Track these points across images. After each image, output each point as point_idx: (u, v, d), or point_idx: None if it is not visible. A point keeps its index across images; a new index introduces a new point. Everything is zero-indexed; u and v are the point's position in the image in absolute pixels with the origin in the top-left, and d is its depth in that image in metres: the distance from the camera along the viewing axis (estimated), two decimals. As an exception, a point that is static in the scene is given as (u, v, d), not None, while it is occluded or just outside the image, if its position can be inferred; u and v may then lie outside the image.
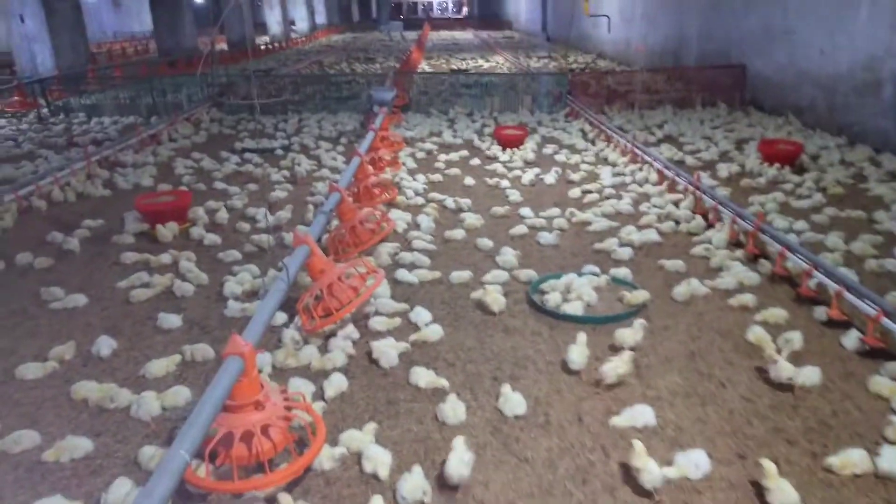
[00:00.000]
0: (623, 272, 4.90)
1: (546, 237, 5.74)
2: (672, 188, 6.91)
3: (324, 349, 4.00)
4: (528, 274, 4.97)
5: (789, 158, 7.92)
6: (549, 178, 7.75)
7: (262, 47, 30.40)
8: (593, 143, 9.73)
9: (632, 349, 3.87)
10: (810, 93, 10.16)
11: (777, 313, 4.28)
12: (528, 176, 7.83)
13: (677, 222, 6.10)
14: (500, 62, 21.85)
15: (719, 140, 9.54)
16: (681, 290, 4.60)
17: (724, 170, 7.87)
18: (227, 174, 8.38)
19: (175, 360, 3.87)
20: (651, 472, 2.77)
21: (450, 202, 6.82)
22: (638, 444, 2.84)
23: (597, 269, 5.00)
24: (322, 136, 10.64)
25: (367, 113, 10.97)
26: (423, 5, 76.35)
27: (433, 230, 6.05)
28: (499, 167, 8.35)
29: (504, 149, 9.28)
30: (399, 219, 6.27)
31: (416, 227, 6.20)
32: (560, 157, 8.83)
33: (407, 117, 11.85)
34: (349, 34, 45.65)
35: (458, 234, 5.92)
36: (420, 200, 6.97)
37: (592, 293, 4.51)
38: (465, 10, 68.40)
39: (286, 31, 38.33)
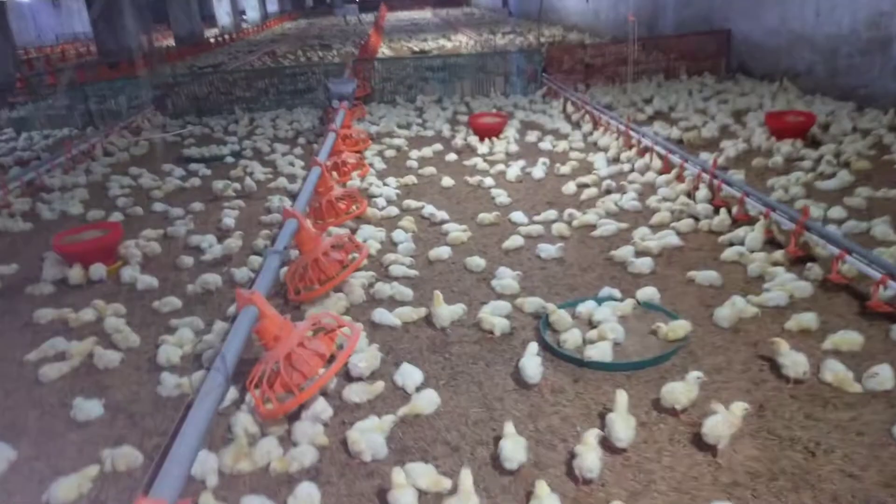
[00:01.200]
0: (650, 293, 4.02)
1: (547, 250, 4.84)
2: (681, 176, 6.05)
3: (287, 439, 3.06)
4: (533, 302, 4.07)
5: (800, 131, 7.11)
6: (538, 171, 6.84)
7: (212, 41, 28.88)
8: (578, 125, 8.82)
9: (684, 410, 3.01)
10: (807, 56, 9.36)
11: (849, 338, 3.45)
12: (514, 170, 6.91)
13: (696, 219, 5.24)
14: (463, 41, 20.80)
15: (715, 113, 8.70)
16: (725, 314, 3.75)
17: (730, 148, 7.03)
18: (169, 192, 7.31)
19: (90, 475, 2.90)
20: None
21: (429, 210, 5.88)
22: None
23: (616, 292, 4.12)
24: (277, 136, 9.58)
25: (327, 108, 9.94)
26: (378, -14, 74.13)
27: (413, 250, 5.11)
28: (479, 162, 7.42)
29: (482, 139, 8.34)
30: (371, 237, 5.32)
31: (393, 245, 5.26)
32: (545, 145, 7.92)
33: (370, 109, 10.83)
34: (303, 21, 43.97)
35: (443, 252, 4.99)
36: (393, 210, 6.02)
37: (618, 327, 3.63)
38: (421, -12, 66.57)
39: (237, 21, 36.67)
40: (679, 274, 4.43)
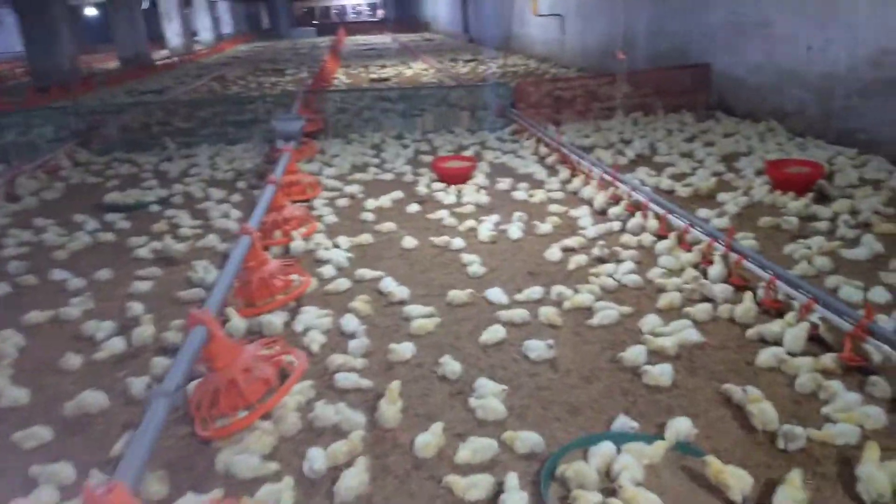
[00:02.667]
0: (683, 428, 3.03)
1: (536, 348, 3.84)
2: (685, 243, 5.14)
3: None
4: (528, 440, 3.04)
5: (807, 184, 6.33)
6: (514, 229, 5.87)
7: (159, 63, 27.48)
8: (555, 170, 7.92)
9: None
10: (797, 95, 8.70)
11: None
12: (486, 228, 5.94)
13: (712, 301, 4.32)
14: (424, 69, 19.95)
15: (703, 158, 7.92)
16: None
17: (730, 203, 6.20)
18: (76, 252, 6.10)
19: None
20: None
21: (388, 285, 4.83)
22: None
23: (634, 423, 3.13)
24: (214, 178, 8.42)
25: (272, 146, 8.83)
26: (337, 9, 73.47)
27: (366, 347, 4.03)
28: (445, 215, 6.42)
29: (448, 185, 7.36)
30: (313, 327, 4.25)
31: (341, 335, 4.19)
32: (519, 195, 6.98)
33: (323, 146, 9.76)
34: (258, 43, 42.78)
35: (406, 349, 3.93)
36: (343, 283, 4.94)
37: (651, 496, 2.62)
38: (380, 12, 66.12)
39: (188, 43, 35.27)
40: (706, 385, 3.48)
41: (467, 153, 8.78)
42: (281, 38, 46.29)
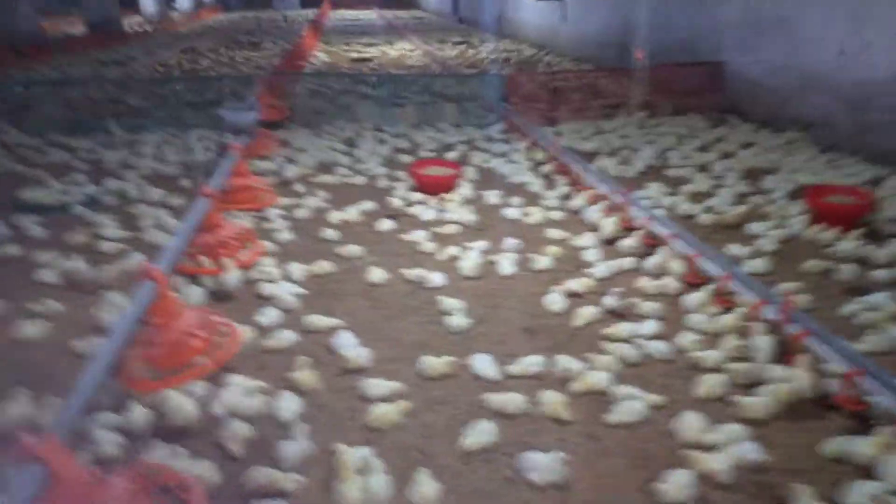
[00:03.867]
0: None
1: (540, 465, 2.79)
2: (722, 298, 4.11)
3: None
4: None
5: (854, 218, 5.33)
6: (505, 262, 4.81)
7: (130, 30, 25.82)
8: (552, 181, 6.84)
9: None
10: (824, 103, 7.69)
11: None
12: (472, 259, 4.86)
13: (767, 384, 3.30)
14: (409, 50, 18.67)
15: (723, 173, 6.89)
16: None
17: (764, 237, 5.18)
18: (-33, 269, 4.94)
19: None
20: None
21: (344, 344, 3.75)
22: None
23: None
24: (157, 173, 7.22)
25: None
26: (323, -18, 70.93)
27: (304, 455, 2.94)
28: (422, 238, 5.33)
29: (428, 195, 6.26)
30: (237, 412, 3.16)
31: (273, 425, 3.11)
32: (512, 213, 5.90)
33: (289, 136, 8.58)
34: (239, 13, 40.96)
35: (359, 455, 2.87)
36: (287, 337, 3.84)
37: None
38: (368, -13, 64.03)
39: (163, 10, 33.49)
40: (778, 540, 2.47)
41: (453, 154, 7.65)
42: (263, 8, 44.40)
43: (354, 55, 17.37)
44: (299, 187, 6.60)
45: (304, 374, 3.43)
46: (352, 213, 5.90)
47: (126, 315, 3.11)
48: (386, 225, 5.64)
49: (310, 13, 37.60)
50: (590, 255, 4.94)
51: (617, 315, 4.10)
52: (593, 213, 5.63)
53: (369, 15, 37.87)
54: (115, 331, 3.02)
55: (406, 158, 7.62)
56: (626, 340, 3.77)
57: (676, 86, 9.88)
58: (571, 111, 9.73)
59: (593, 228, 5.49)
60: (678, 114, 9.70)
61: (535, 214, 5.81)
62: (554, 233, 5.40)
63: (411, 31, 24.18)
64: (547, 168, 7.11)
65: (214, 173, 5.46)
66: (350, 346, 3.72)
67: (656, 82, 10.12)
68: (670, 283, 4.41)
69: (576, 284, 4.42)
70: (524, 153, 7.81)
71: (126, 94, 10.78)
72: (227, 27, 29.44)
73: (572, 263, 4.88)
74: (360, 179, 6.93)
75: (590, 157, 7.57)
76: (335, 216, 5.82)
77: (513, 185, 6.77)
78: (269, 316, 4.07)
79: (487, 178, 6.99)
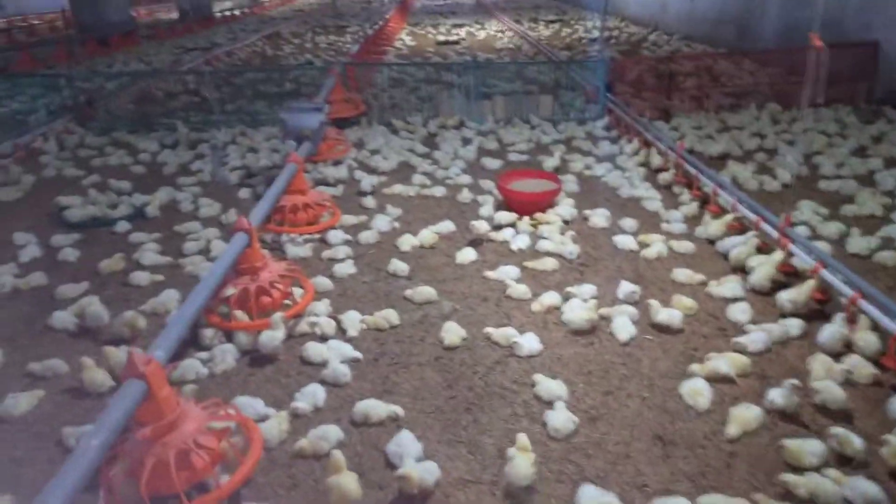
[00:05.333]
0: None
1: None
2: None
3: None
4: None
5: None
6: (621, 320, 3.64)
7: (220, 15, 25.82)
8: (673, 194, 5.57)
9: None
10: None
11: None
12: (575, 312, 3.73)
13: None
14: (499, 31, 17.39)
15: (894, 188, 5.40)
16: None
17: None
18: (-13, 301, 4.29)
19: None
20: None
21: (404, 446, 2.75)
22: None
23: None
24: (216, 180, 6.47)
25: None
26: (413, -39, 70.07)
27: None
28: (512, 276, 4.24)
29: (519, 216, 5.14)
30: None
31: None
32: (625, 241, 4.68)
33: (362, 135, 7.65)
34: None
35: None
36: (328, 435, 2.85)
37: None
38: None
39: (252, -6, 33.52)
40: None
41: (549, 161, 6.45)
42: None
43: (441, 38, 16.29)
44: (369, 201, 5.63)
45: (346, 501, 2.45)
46: (427, 236, 4.88)
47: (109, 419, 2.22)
48: (467, 255, 4.58)
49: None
50: (737, 312, 3.70)
51: (790, 420, 2.89)
52: (736, 248, 4.34)
53: (458, -7, 36.56)
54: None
55: (493, 163, 6.53)
56: (816, 470, 2.56)
57: (817, 71, 8.23)
58: (688, 101, 8.29)
59: (737, 268, 4.22)
60: (820, 105, 8.08)
61: (656, 244, 4.58)
62: (683, 274, 4.17)
63: (501, 11, 22.81)
64: (666, 177, 5.82)
65: (264, 196, 4.56)
66: (411, 453, 2.71)
67: (791, 67, 8.49)
68: (862, 368, 3.13)
69: (723, 363, 3.21)
70: (635, 156, 6.53)
71: (199, 85, 10.19)
72: (316, 9, 29.02)
73: (713, 324, 3.67)
74: (439, 191, 5.89)
75: (717, 162, 6.22)
76: (407, 241, 4.82)
77: (624, 200, 5.54)
78: (309, 398, 3.12)
79: (591, 191, 5.79)
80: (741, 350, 3.35)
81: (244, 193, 5.99)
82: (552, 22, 18.66)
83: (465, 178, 6.14)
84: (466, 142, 7.36)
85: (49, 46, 15.32)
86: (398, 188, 5.95)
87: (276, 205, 4.68)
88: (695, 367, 3.23)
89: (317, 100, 6.42)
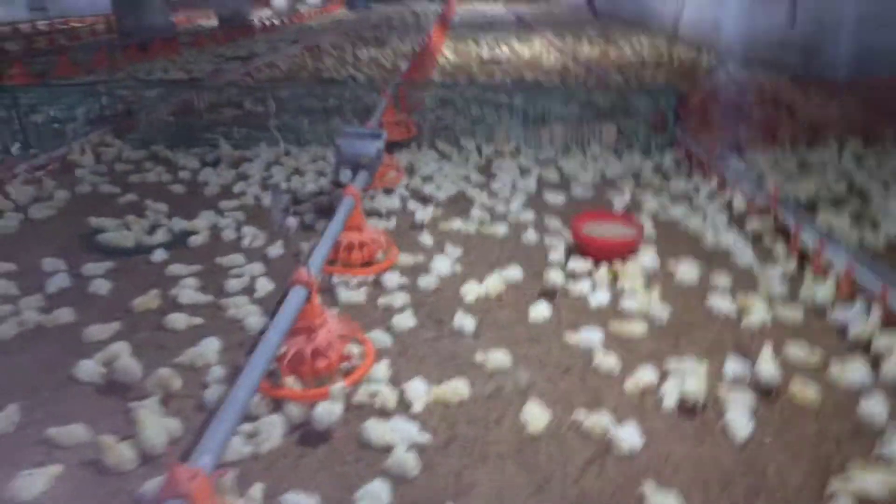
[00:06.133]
0: None
1: None
2: None
3: None
4: None
5: None
6: (737, 412, 3.08)
7: (259, 24, 25.73)
8: (765, 246, 4.99)
9: None
10: None
11: None
12: (678, 393, 3.19)
13: None
14: (543, 48, 16.89)
15: None
16: None
17: None
18: (7, 340, 3.87)
19: None
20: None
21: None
22: None
23: None
24: (261, 205, 6.03)
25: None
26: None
27: None
28: (596, 340, 3.71)
29: (596, 263, 4.61)
30: None
31: None
32: (719, 304, 4.11)
33: (413, 160, 7.19)
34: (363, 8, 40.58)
35: None
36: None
37: None
38: (495, -21, 62.35)
39: (291, 3, 33.58)
40: None
41: (619, 199, 5.91)
42: (395, 2, 43.92)
43: (485, 55, 15.84)
44: (425, 238, 5.15)
45: None
46: (493, 284, 4.37)
47: None
48: (541, 311, 4.06)
49: (437, 6, 36.54)
50: (872, 407, 3.11)
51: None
52: (856, 323, 3.75)
53: (497, 8, 36.23)
54: None
55: (557, 198, 6.01)
56: None
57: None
58: (762, 135, 7.68)
59: (859, 346, 3.63)
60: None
61: (758, 310, 4.00)
62: (798, 352, 3.60)
63: (542, 26, 22.33)
64: (756, 225, 5.23)
65: (322, 237, 4.09)
66: None
67: (873, 99, 7.86)
68: None
69: (872, 481, 2.64)
70: (714, 197, 5.96)
71: (243, 98, 9.83)
72: (354, 20, 28.87)
73: (845, 422, 3.09)
74: (500, 229, 5.37)
75: (805, 207, 5.63)
76: (471, 290, 4.31)
77: (709, 251, 4.97)
78: (373, 500, 2.61)
79: (671, 237, 5.23)
80: (889, 461, 2.77)
81: (290, 222, 5.55)
82: (598, 41, 18.10)
83: (529, 215, 5.63)
84: (525, 172, 6.86)
85: (89, 51, 15.18)
86: (456, 224, 5.45)
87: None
88: (836, 484, 2.67)
89: (373, 124, 5.96)
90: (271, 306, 4.06)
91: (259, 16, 29.03)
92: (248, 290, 4.41)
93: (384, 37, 20.55)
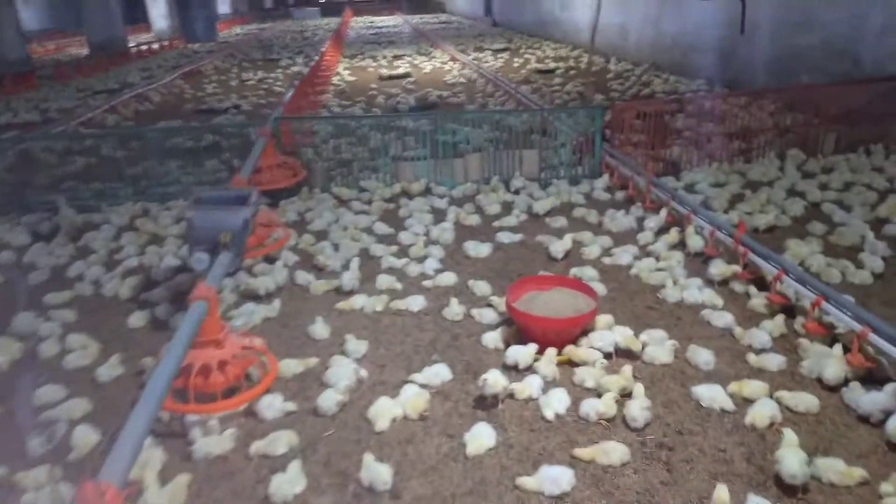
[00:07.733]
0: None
1: None
2: None
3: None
4: None
5: None
6: None
7: (136, 49, 23.55)
8: (730, 289, 4.08)
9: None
10: None
11: None
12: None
13: None
14: (445, 61, 15.93)
15: None
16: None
17: None
18: None
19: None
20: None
21: None
22: None
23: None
24: (101, 297, 4.60)
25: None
26: (344, -13, 68.52)
27: None
28: (561, 487, 2.62)
29: (540, 349, 3.52)
30: None
31: None
32: (710, 395, 3.11)
33: (304, 208, 5.94)
34: (255, 25, 38.68)
35: None
36: None
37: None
38: (389, -9, 61.60)
39: (174, 25, 31.25)
40: None
41: (557, 245, 4.86)
42: (282, 19, 42.15)
43: (384, 71, 14.72)
44: (319, 328, 3.92)
45: None
46: (413, 399, 3.20)
47: None
48: (482, 438, 2.94)
49: (331, 22, 35.17)
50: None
51: None
52: (873, 404, 2.85)
53: (394, 21, 35.25)
54: None
55: (481, 249, 4.93)
56: None
57: (838, 110, 7.00)
58: (699, 152, 6.90)
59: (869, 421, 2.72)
60: (847, 150, 6.88)
61: (761, 402, 3.03)
62: (832, 469, 2.63)
63: (442, 39, 21.47)
64: (721, 269, 4.31)
65: (163, 356, 2.80)
66: None
67: (806, 105, 7.21)
68: None
69: None
70: (665, 233, 5.02)
71: (100, 143, 8.20)
72: (244, 40, 27.06)
73: None
74: (415, 302, 4.21)
75: (766, 236, 4.82)
76: (383, 412, 3.12)
77: (672, 308, 4.02)
78: None
79: (624, 293, 4.25)
80: None
81: (136, 319, 4.18)
82: (500, 51, 17.37)
83: (449, 277, 4.51)
84: (438, 213, 5.76)
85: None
86: (359, 301, 4.25)
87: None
88: None
89: (241, 180, 4.61)
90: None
91: (137, 40, 26.68)
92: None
93: (275, 57, 19.06)
